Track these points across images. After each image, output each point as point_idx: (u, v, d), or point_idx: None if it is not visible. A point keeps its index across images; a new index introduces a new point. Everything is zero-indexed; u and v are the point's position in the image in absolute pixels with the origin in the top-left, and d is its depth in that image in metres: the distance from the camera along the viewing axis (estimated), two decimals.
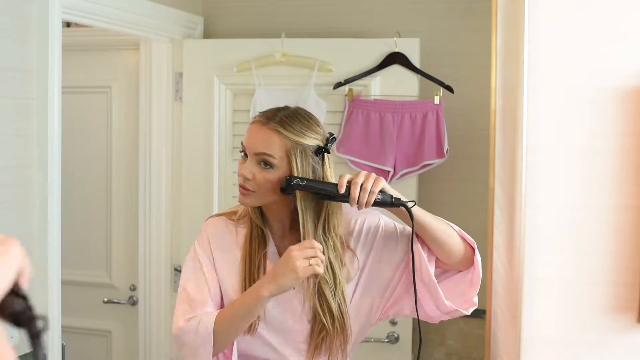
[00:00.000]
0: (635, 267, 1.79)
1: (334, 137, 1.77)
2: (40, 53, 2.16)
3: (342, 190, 1.66)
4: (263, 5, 3.12)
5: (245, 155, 1.76)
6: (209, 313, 1.73)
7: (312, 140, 1.73)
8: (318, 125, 1.77)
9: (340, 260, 1.77)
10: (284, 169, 1.71)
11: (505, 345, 1.90)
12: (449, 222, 1.80)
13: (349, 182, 1.67)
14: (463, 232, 1.80)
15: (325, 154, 1.74)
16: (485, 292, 1.93)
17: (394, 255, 1.81)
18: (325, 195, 1.70)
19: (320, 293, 1.75)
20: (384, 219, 1.84)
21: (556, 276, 1.83)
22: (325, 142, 1.75)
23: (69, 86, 2.52)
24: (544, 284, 1.84)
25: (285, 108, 1.78)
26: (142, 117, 3.09)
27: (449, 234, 1.76)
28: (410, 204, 1.71)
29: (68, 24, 3.06)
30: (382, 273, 1.81)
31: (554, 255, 1.83)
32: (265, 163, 1.71)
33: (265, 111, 1.79)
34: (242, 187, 1.74)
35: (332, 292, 1.75)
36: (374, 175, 1.68)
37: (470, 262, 1.79)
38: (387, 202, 1.70)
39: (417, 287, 1.76)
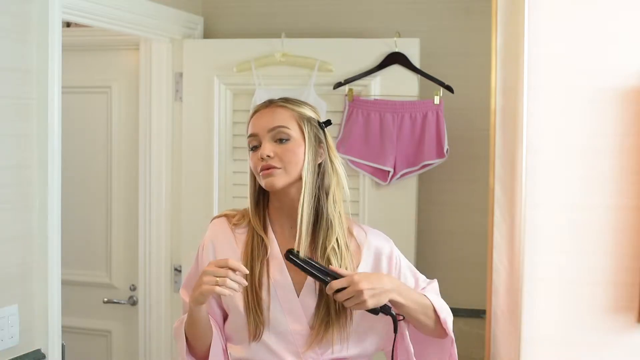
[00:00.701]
0: (635, 267, 1.79)
1: (330, 121, 1.85)
2: (40, 53, 2.16)
3: (329, 292, 1.67)
4: (263, 5, 3.12)
5: (255, 147, 1.78)
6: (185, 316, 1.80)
7: (313, 114, 1.82)
8: (314, 107, 1.87)
9: (345, 240, 1.80)
10: (299, 139, 1.76)
11: (505, 345, 1.90)
12: (438, 303, 1.80)
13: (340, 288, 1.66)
14: (448, 322, 1.79)
15: (326, 130, 1.83)
16: (485, 292, 1.94)
17: None
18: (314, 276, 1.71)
19: (326, 262, 1.76)
20: (385, 245, 1.88)
21: (556, 276, 1.84)
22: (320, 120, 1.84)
23: (69, 86, 2.52)
24: (544, 284, 1.84)
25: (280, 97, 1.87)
26: (142, 117, 3.09)
27: (432, 326, 1.78)
28: (399, 317, 1.73)
29: (68, 24, 3.06)
30: None
31: (554, 255, 1.83)
32: (280, 138, 1.76)
33: (261, 102, 1.86)
34: (265, 167, 1.74)
35: (338, 262, 1.76)
36: (362, 297, 1.65)
37: (442, 336, 1.81)
38: (374, 312, 1.71)
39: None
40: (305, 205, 1.74)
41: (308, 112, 1.81)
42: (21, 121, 2.12)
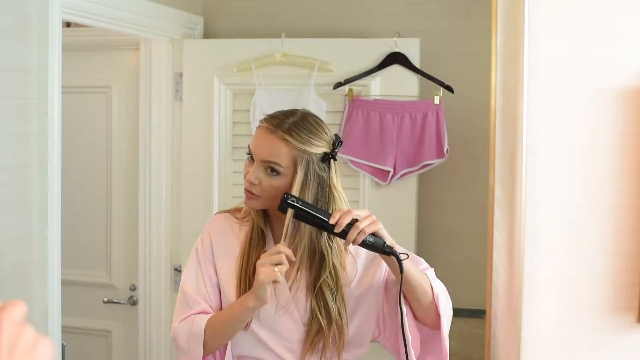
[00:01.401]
0: (635, 267, 1.79)
1: (341, 141, 1.77)
2: (40, 53, 2.16)
3: (338, 230, 1.64)
4: (263, 5, 3.12)
5: (252, 158, 1.77)
6: (202, 316, 1.77)
7: (319, 148, 1.73)
8: (325, 132, 1.77)
9: (342, 264, 1.78)
10: (290, 176, 1.72)
11: (505, 345, 1.90)
12: (435, 281, 1.77)
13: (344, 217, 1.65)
14: (440, 292, 1.75)
15: (332, 160, 1.75)
16: (485, 292, 1.94)
17: (377, 281, 1.82)
18: (316, 224, 1.68)
19: (319, 295, 1.75)
20: None
21: (556, 276, 1.83)
22: (332, 147, 1.75)
23: (69, 86, 2.52)
24: (544, 284, 1.84)
25: (293, 113, 1.77)
26: (142, 117, 3.09)
27: (426, 293, 1.73)
28: (402, 256, 1.67)
29: (68, 24, 3.06)
30: (370, 290, 1.82)
31: (554, 255, 1.83)
32: (271, 170, 1.73)
33: (273, 116, 1.77)
34: (247, 190, 1.76)
35: (333, 295, 1.75)
36: (372, 217, 1.66)
37: (436, 324, 1.76)
38: (378, 247, 1.66)
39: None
40: (305, 244, 1.75)
41: (312, 149, 1.72)
42: (21, 121, 2.12)
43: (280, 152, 1.71)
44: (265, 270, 1.64)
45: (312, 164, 1.72)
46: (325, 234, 1.74)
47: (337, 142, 1.76)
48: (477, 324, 2.86)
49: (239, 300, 1.74)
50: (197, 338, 1.75)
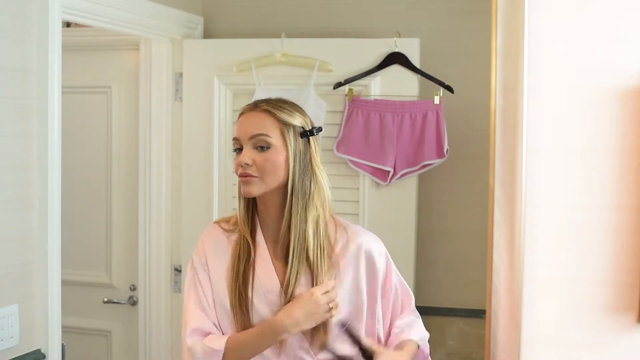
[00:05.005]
0: (635, 267, 1.79)
1: (321, 128, 1.83)
2: (40, 53, 2.16)
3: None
4: (263, 5, 3.12)
5: (238, 150, 1.78)
6: (215, 340, 1.76)
7: (300, 121, 1.78)
8: (302, 110, 1.83)
9: (324, 251, 1.80)
10: (280, 148, 1.74)
11: (505, 345, 1.90)
12: (424, 345, 1.96)
13: None
14: (427, 349, 1.93)
15: (311, 138, 1.79)
16: (485, 292, 1.94)
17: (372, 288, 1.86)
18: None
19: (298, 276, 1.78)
20: (375, 245, 1.89)
21: (556, 276, 1.83)
22: (310, 126, 1.81)
23: (69, 86, 2.52)
24: (544, 284, 1.84)
25: (269, 98, 1.85)
26: (142, 117, 3.09)
27: None
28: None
29: (68, 24, 3.06)
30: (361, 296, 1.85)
31: (554, 255, 1.83)
32: (261, 146, 1.74)
33: (250, 103, 1.84)
34: (243, 175, 1.75)
35: (314, 281, 1.78)
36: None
37: None
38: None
39: None
40: (297, 217, 1.76)
41: (291, 120, 1.77)
42: (21, 121, 2.12)
43: (266, 123, 1.75)
44: (325, 309, 1.73)
45: (296, 134, 1.77)
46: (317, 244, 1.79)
47: (318, 127, 1.81)
48: (477, 324, 2.86)
49: (270, 330, 1.73)
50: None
